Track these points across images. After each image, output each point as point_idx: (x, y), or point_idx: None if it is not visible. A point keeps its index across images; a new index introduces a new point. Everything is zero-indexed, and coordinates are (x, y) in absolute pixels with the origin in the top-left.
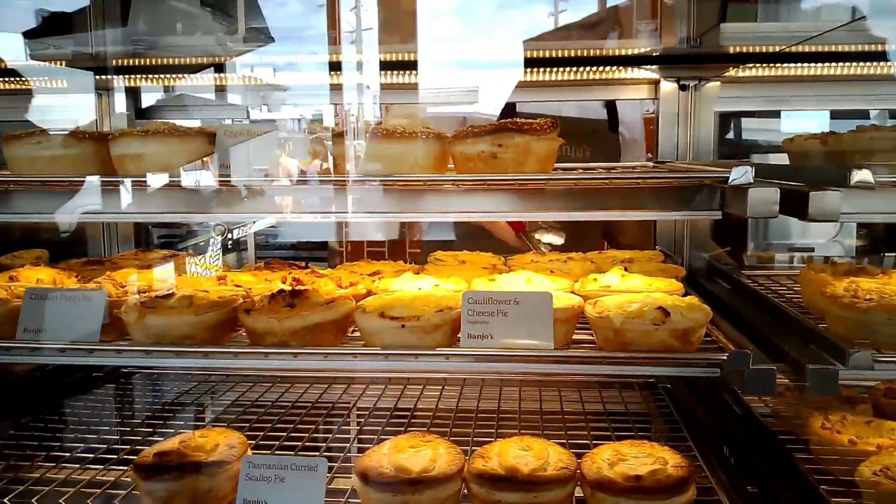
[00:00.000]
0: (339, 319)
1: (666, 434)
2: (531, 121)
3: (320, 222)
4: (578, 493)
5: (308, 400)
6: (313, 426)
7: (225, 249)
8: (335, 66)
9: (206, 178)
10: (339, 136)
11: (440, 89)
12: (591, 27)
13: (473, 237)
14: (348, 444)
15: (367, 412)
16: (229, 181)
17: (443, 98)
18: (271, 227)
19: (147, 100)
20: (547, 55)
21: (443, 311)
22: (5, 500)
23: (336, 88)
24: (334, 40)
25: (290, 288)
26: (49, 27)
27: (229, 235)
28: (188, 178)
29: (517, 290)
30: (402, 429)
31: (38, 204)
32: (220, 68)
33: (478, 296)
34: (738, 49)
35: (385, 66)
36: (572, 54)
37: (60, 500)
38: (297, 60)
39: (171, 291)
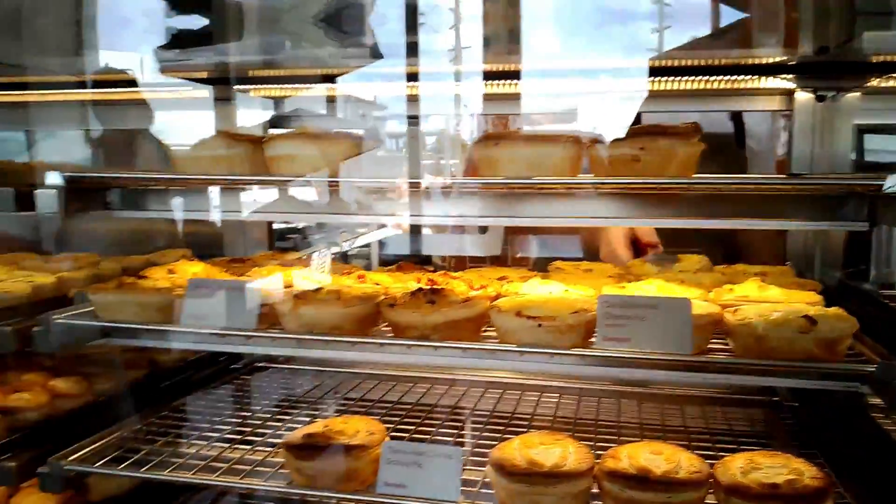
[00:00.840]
0: (475, 317)
1: (796, 452)
2: (674, 124)
3: (431, 236)
4: (709, 499)
5: (430, 401)
6: (439, 422)
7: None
8: (453, 79)
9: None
10: (465, 144)
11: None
12: (718, 37)
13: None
14: (473, 441)
15: (488, 414)
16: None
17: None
18: (380, 240)
19: (263, 114)
20: (679, 64)
21: (578, 312)
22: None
23: (455, 101)
24: (447, 57)
25: (429, 286)
26: (177, 42)
27: (345, 245)
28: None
29: (654, 296)
30: (525, 430)
31: (197, 202)
32: (331, 81)
33: (614, 299)
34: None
35: (486, 76)
36: (703, 63)
37: (216, 475)
38: (409, 74)
39: (318, 286)
